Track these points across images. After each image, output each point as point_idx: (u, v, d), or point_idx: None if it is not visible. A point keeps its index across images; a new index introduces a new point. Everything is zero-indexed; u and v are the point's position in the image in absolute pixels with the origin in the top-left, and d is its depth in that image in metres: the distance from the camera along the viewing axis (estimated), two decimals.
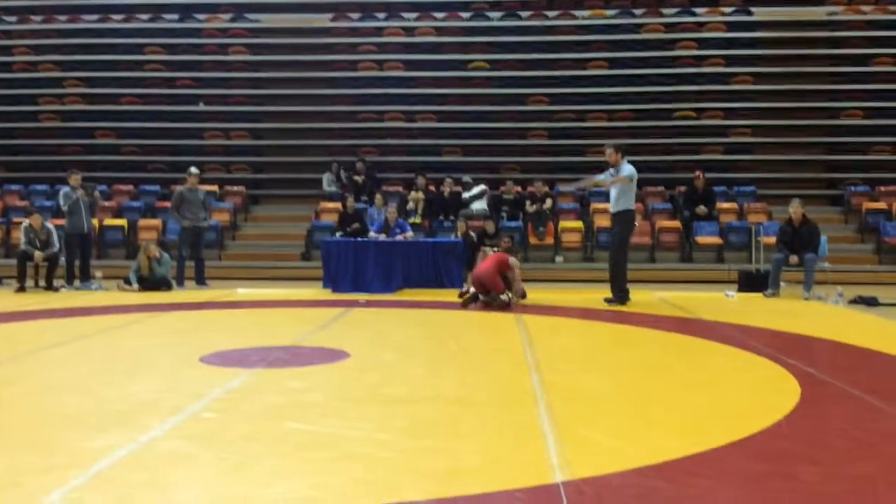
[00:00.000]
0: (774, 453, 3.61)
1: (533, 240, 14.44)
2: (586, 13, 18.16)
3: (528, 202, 14.72)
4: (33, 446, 3.65)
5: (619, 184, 9.33)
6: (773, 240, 11.60)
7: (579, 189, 10.31)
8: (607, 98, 17.01)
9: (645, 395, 4.84)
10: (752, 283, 11.29)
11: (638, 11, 18.07)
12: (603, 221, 14.72)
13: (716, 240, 14.25)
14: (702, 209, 14.47)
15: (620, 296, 9.41)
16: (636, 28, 17.74)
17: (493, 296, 9.09)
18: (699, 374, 5.55)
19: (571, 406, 4.44)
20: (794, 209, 10.81)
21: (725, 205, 15.28)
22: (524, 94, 17.28)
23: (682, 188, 15.36)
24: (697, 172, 14.80)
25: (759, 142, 16.93)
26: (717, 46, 17.38)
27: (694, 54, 17.33)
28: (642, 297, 10.01)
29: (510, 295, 9.20)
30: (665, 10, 18.10)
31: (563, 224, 14.57)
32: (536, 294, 10.46)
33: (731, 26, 17.70)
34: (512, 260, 9.33)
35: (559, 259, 14.28)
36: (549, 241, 14.40)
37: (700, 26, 17.75)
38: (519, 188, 15.23)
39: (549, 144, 16.94)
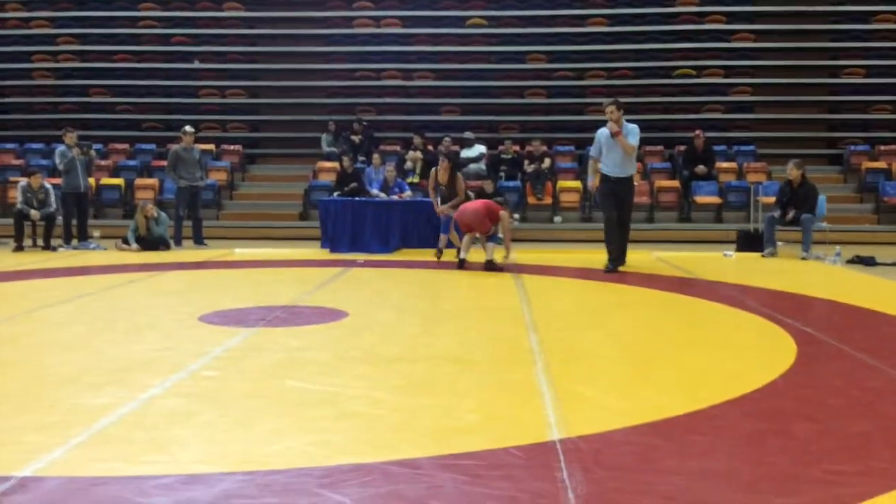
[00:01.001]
0: (771, 411, 3.64)
1: (531, 200, 14.39)
2: None
3: (526, 162, 14.64)
4: (33, 405, 3.67)
5: (628, 150, 8.73)
6: (772, 199, 11.58)
7: (594, 184, 9.32)
8: (606, 56, 16.83)
9: (643, 354, 4.87)
10: (750, 242, 11.29)
11: None
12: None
13: (715, 199, 14.22)
14: (701, 169, 14.41)
15: (622, 260, 8.95)
16: None
17: (480, 238, 9.22)
18: (697, 333, 5.58)
19: (569, 365, 4.47)
20: (791, 170, 10.78)
21: (725, 164, 15.22)
22: (523, 52, 17.08)
23: (682, 147, 15.28)
24: (697, 132, 14.72)
25: (759, 100, 16.80)
26: (718, 3, 17.16)
27: (694, 11, 17.09)
28: (641, 257, 10.02)
29: (503, 253, 9.24)
30: None
31: (562, 184, 14.52)
32: (534, 254, 10.48)
33: None
34: (503, 212, 9.30)
35: (557, 219, 14.26)
36: (548, 200, 14.36)
37: None
38: (517, 147, 15.15)
39: (547, 103, 16.81)
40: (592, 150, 9.14)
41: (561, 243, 12.53)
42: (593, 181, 9.27)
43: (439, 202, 10.41)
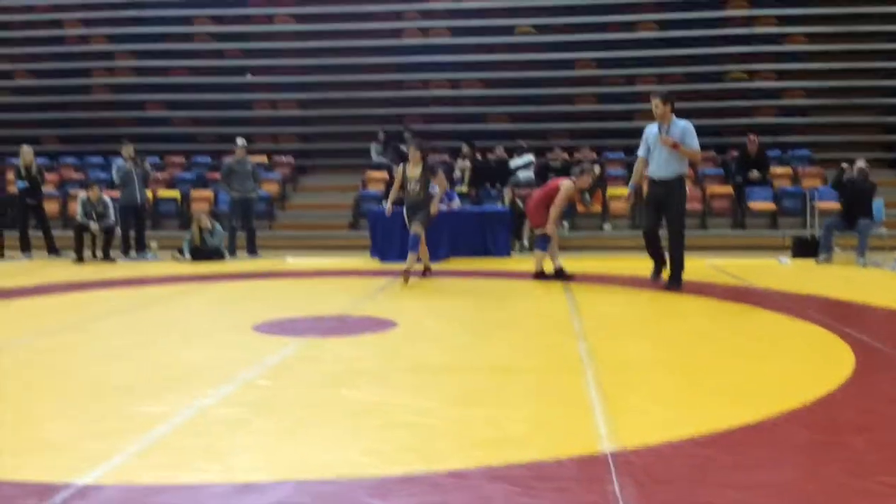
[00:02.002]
0: (828, 423, 3.56)
1: (580, 207, 14.29)
2: None
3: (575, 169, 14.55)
4: (92, 412, 3.77)
5: (695, 157, 8.05)
6: (828, 205, 11.33)
7: (636, 184, 8.49)
8: (657, 61, 16.69)
9: (696, 364, 4.80)
10: (806, 249, 11.07)
11: None
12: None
13: (769, 205, 13.96)
14: (755, 174, 14.17)
15: (679, 277, 7.95)
16: None
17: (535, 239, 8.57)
18: (751, 342, 5.48)
19: (620, 375, 4.42)
20: (858, 167, 10.53)
21: (779, 169, 14.94)
22: (572, 59, 17.04)
23: (735, 152, 15.04)
24: (750, 136, 14.47)
25: (813, 104, 16.47)
26: (770, 6, 16.89)
27: (746, 14, 16.87)
28: (693, 265, 9.87)
29: (552, 260, 8.66)
30: None
31: (612, 191, 14.40)
32: (584, 262, 10.40)
33: None
34: (566, 183, 8.53)
35: (607, 227, 14.15)
36: (597, 208, 14.26)
37: None
38: (566, 155, 15.09)
39: (597, 110, 16.71)
40: (640, 150, 8.19)
41: (611, 251, 12.42)
42: (636, 182, 8.52)
43: (405, 206, 8.73)
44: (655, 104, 7.79)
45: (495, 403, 3.89)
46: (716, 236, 13.61)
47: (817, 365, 4.70)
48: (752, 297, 7.45)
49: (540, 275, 8.70)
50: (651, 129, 7.97)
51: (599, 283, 8.61)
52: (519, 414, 3.70)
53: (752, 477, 2.90)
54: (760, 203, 13.99)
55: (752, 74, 16.51)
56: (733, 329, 5.98)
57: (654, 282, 8.20)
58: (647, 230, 8.13)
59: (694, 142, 7.74)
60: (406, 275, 8.34)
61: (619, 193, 14.36)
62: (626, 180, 14.97)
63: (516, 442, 3.30)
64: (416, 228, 8.47)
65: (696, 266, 9.95)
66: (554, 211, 8.56)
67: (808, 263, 10.46)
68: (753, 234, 13.65)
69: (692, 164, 15.32)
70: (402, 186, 8.62)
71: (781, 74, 16.49)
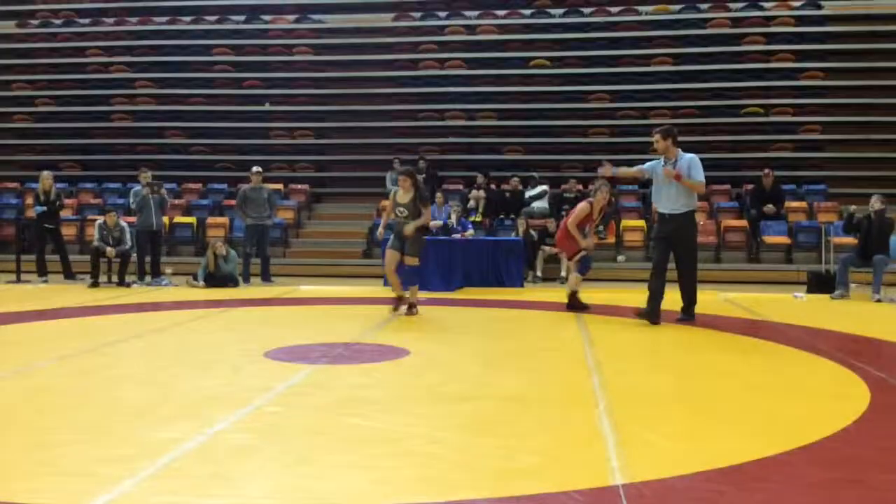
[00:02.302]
0: (843, 459, 3.52)
1: (595, 239, 14.29)
2: (650, 8, 17.89)
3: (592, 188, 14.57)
4: (105, 436, 3.78)
5: (698, 189, 7.78)
6: (843, 240, 11.28)
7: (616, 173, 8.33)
8: (671, 95, 16.75)
9: (709, 397, 4.77)
10: (821, 284, 11.00)
11: (703, 6, 17.73)
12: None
13: (784, 239, 13.91)
14: (770, 208, 14.14)
15: (692, 310, 7.95)
16: (701, 23, 17.42)
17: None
18: (765, 377, 5.44)
19: (632, 407, 4.40)
20: (874, 203, 10.51)
21: (794, 203, 14.89)
22: (586, 92, 17.12)
23: (750, 186, 15.03)
24: (766, 170, 14.46)
25: (829, 139, 16.45)
26: (786, 41, 16.95)
27: (761, 49, 16.93)
28: (707, 298, 9.83)
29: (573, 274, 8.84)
30: (731, 5, 17.72)
31: (626, 223, 14.40)
32: (598, 293, 10.37)
33: (800, 20, 17.23)
34: (580, 204, 8.88)
35: (621, 258, 14.12)
36: (611, 240, 14.24)
37: (768, 21, 17.31)
38: (581, 186, 15.11)
39: (611, 142, 16.76)
40: (646, 165, 8.14)
41: (624, 283, 12.38)
42: (622, 170, 8.45)
43: (393, 232, 8.51)
44: (656, 139, 7.82)
45: (507, 434, 3.88)
46: (730, 270, 13.55)
47: (832, 400, 4.66)
48: (766, 332, 7.41)
49: (574, 303, 8.74)
50: (659, 164, 7.92)
51: (614, 314, 8.58)
52: (531, 445, 3.68)
53: None
54: (775, 237, 13.94)
55: (768, 109, 16.53)
56: (747, 363, 5.94)
57: (639, 316, 7.82)
58: (655, 268, 7.89)
59: (699, 174, 7.66)
60: (409, 306, 8.45)
61: (633, 225, 14.37)
62: (639, 213, 15.00)
63: (528, 473, 3.28)
64: (412, 262, 8.38)
65: (711, 299, 9.90)
66: (570, 228, 8.76)
67: (823, 298, 10.39)
68: (768, 269, 13.58)
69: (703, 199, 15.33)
70: (393, 210, 8.47)
71: (798, 109, 16.50)
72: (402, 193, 8.41)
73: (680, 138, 8.12)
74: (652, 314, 7.70)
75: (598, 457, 3.49)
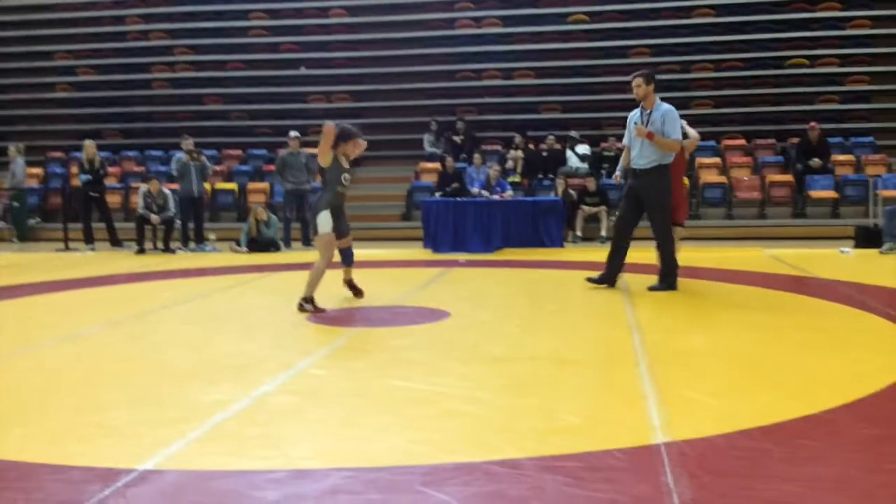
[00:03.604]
0: (889, 416, 3.47)
1: None
2: None
3: None
4: (154, 400, 3.88)
5: (667, 148, 6.98)
6: (892, 193, 11.01)
7: (624, 168, 7.49)
8: (713, 48, 16.36)
9: (752, 355, 4.72)
10: (869, 238, 10.78)
11: None
12: (709, 177, 14.28)
13: (831, 194, 13.62)
14: (816, 162, 13.83)
15: (670, 279, 7.19)
16: None
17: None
18: (811, 334, 5.36)
19: (674, 367, 4.38)
20: None
21: (841, 157, 14.55)
22: (625, 47, 16.81)
23: (795, 140, 14.70)
24: (811, 123, 14.12)
25: (877, 90, 15.97)
26: None
27: None
28: (752, 255, 9.71)
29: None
30: None
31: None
32: (639, 253, 10.28)
33: None
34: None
35: None
36: None
37: None
38: (620, 144, 14.90)
39: None
40: (625, 138, 7.36)
41: None
42: (618, 174, 7.72)
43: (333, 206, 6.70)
44: (637, 84, 7.03)
45: (548, 394, 3.89)
46: (775, 226, 13.34)
47: (879, 357, 4.58)
48: (812, 288, 7.29)
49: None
50: (633, 115, 7.22)
51: (654, 272, 8.50)
52: (571, 405, 3.69)
53: (809, 470, 2.85)
54: (821, 192, 13.66)
55: (814, 60, 16.08)
56: (792, 320, 5.86)
57: (590, 282, 7.29)
58: (617, 224, 7.39)
59: (674, 130, 6.93)
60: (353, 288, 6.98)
61: None
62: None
63: (569, 432, 3.30)
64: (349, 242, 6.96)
65: (755, 256, 9.77)
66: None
67: (871, 253, 10.18)
68: (814, 224, 13.32)
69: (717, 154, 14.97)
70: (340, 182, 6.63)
71: (844, 59, 16.03)
72: (346, 161, 6.67)
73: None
74: (605, 278, 7.22)
75: (639, 416, 3.49)
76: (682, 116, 7.22)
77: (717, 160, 14.91)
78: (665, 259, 7.19)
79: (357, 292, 6.92)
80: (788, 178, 14.04)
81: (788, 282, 7.80)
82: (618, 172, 7.77)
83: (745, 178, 14.22)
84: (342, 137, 6.46)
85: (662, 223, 7.10)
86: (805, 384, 4.02)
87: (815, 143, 14.00)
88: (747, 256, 9.43)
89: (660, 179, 7.03)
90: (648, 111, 7.05)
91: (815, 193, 13.65)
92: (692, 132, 7.44)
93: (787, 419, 3.40)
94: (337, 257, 6.71)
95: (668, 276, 7.18)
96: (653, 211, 7.11)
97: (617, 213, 7.45)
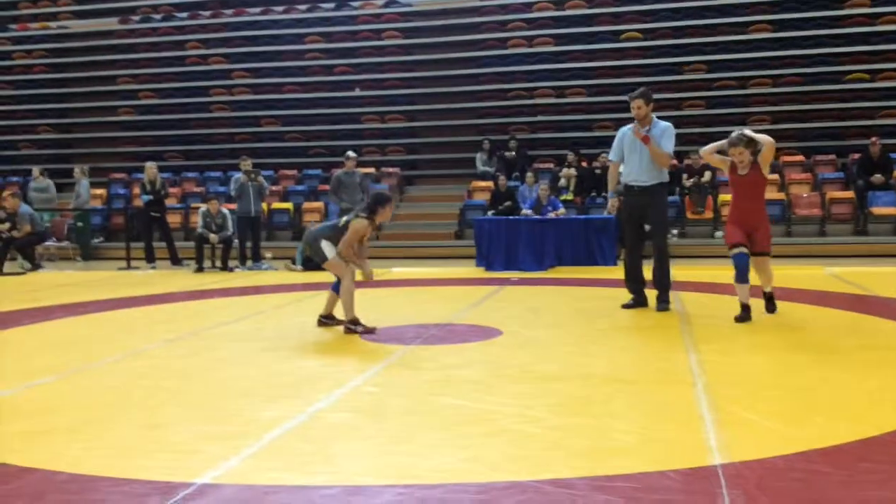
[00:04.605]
0: None
1: (690, 214, 13.98)
2: None
3: (685, 175, 14.24)
4: (212, 415, 3.96)
5: (662, 161, 7.04)
6: None
7: (615, 191, 7.49)
8: (771, 63, 16.12)
9: (811, 376, 4.62)
10: None
11: None
12: (768, 193, 13.95)
13: (893, 210, 13.26)
14: (878, 178, 13.50)
15: (666, 296, 7.19)
16: None
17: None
18: (871, 354, 5.22)
19: (731, 387, 4.31)
20: None
21: None
22: (680, 63, 16.67)
23: (856, 155, 14.37)
24: (873, 138, 13.80)
25: None
26: (891, 2, 16.05)
27: (867, 12, 16.09)
28: (812, 273, 9.50)
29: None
30: None
31: (723, 197, 13.98)
32: (694, 270, 10.16)
33: None
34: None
35: (718, 234, 13.74)
36: (708, 215, 13.89)
37: None
38: (675, 161, 14.76)
39: (706, 114, 16.28)
40: (612, 154, 7.41)
41: (722, 259, 12.05)
42: (613, 201, 7.51)
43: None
44: (638, 105, 7.05)
45: (601, 413, 3.87)
46: (836, 243, 13.04)
47: None
48: (874, 308, 7.10)
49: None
50: (625, 130, 7.26)
51: (711, 291, 8.39)
52: (626, 425, 3.66)
53: (869, 494, 2.78)
54: (884, 208, 13.31)
55: (874, 75, 15.73)
56: (853, 340, 5.72)
57: (626, 307, 7.30)
58: (630, 250, 7.41)
59: (668, 144, 7.01)
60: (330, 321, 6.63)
61: (730, 200, 13.94)
62: None
63: (622, 452, 3.27)
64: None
65: (815, 275, 9.57)
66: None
67: None
68: (876, 241, 12.98)
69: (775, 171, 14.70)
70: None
71: None
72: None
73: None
74: (637, 303, 7.30)
75: (694, 436, 3.45)
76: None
77: (775, 177, 14.66)
78: (662, 279, 7.19)
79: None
80: (849, 194, 13.72)
81: (849, 300, 7.61)
82: (612, 199, 7.55)
83: (805, 195, 13.94)
84: (379, 202, 6.42)
85: (663, 240, 7.22)
86: (866, 406, 3.92)
87: (877, 159, 13.67)
88: (807, 274, 9.23)
89: (662, 197, 7.21)
90: (647, 128, 7.11)
91: (877, 210, 13.32)
92: (764, 137, 6.77)
93: (847, 441, 3.32)
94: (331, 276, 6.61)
95: (665, 294, 7.19)
96: (655, 228, 7.19)
97: (624, 241, 7.37)
